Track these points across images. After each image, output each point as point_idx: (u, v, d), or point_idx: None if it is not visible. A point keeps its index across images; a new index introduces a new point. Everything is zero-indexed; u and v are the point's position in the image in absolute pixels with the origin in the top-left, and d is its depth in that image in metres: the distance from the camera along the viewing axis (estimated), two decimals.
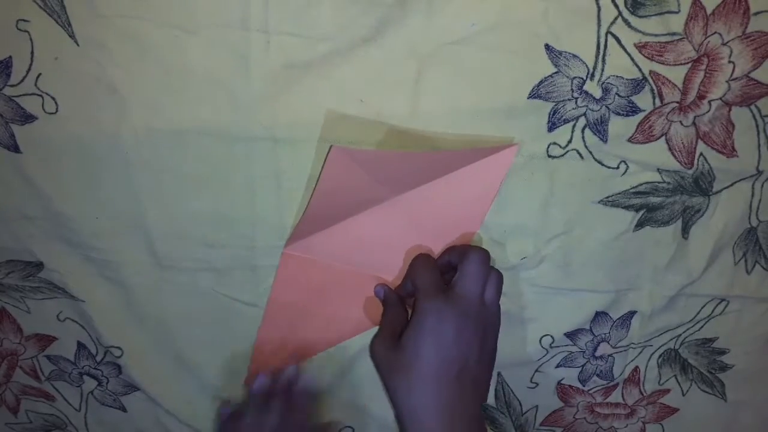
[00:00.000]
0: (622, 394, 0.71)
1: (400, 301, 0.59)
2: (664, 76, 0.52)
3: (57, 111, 0.54)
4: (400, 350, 0.53)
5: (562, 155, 0.55)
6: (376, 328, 0.58)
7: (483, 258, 0.54)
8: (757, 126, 0.54)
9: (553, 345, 0.66)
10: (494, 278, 0.55)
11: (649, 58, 0.51)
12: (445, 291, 0.53)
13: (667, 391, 0.71)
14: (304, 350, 0.65)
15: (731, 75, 0.52)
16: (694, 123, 0.54)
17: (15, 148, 0.56)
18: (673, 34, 0.50)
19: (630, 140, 0.55)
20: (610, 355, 0.68)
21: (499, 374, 0.68)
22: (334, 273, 0.60)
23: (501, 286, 0.56)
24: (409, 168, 0.55)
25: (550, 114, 0.54)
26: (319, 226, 0.58)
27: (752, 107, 0.54)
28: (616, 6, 0.49)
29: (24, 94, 0.53)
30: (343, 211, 0.57)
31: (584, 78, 0.52)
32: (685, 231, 0.60)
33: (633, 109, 0.53)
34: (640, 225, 0.59)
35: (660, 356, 0.68)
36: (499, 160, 0.54)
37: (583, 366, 0.68)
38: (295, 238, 0.59)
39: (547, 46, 0.51)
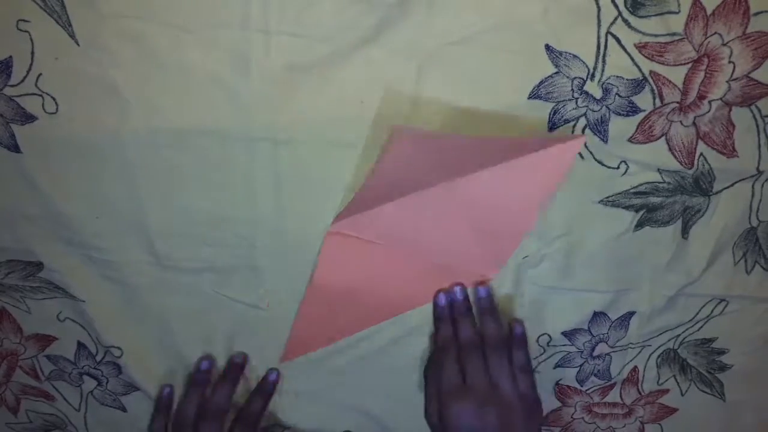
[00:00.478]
0: (620, 393, 0.71)
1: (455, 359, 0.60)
2: (664, 77, 0.52)
3: (57, 111, 0.54)
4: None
5: None
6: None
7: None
8: (757, 126, 0.55)
9: (550, 344, 0.66)
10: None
11: (649, 59, 0.51)
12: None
13: (666, 391, 0.71)
14: (342, 330, 0.64)
15: (731, 75, 0.52)
16: (694, 123, 0.54)
17: (15, 148, 0.56)
18: (674, 34, 0.50)
19: (630, 140, 0.55)
20: (607, 355, 0.68)
21: None
22: (379, 253, 0.59)
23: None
24: (471, 152, 0.53)
25: (550, 114, 0.54)
26: (369, 205, 0.56)
27: (752, 107, 0.54)
28: (616, 6, 0.49)
29: (24, 94, 0.53)
30: (395, 192, 0.55)
31: (584, 78, 0.52)
32: (685, 231, 0.60)
33: (633, 109, 0.53)
34: (640, 225, 0.59)
35: (659, 356, 0.68)
36: (564, 151, 0.50)
37: (581, 366, 0.68)
38: (342, 217, 0.57)
39: (548, 47, 0.51)
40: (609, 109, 0.53)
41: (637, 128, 0.54)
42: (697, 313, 0.65)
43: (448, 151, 0.54)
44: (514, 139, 0.54)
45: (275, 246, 0.60)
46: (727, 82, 0.52)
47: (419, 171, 0.54)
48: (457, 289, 0.62)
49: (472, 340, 0.60)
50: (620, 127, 0.54)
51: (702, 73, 0.52)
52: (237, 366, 0.64)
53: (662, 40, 0.50)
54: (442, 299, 0.62)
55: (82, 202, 0.58)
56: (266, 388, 0.65)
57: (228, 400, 0.62)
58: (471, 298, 0.62)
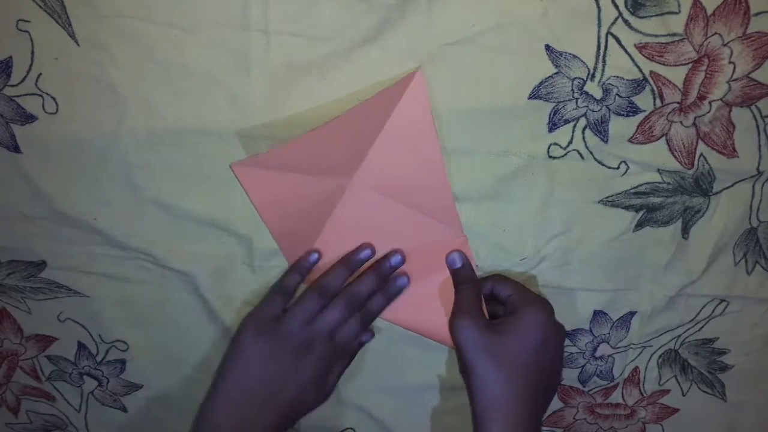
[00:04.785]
0: (622, 394, 0.71)
1: (475, 276, 0.59)
2: (664, 77, 0.52)
3: (57, 111, 0.54)
4: (498, 336, 0.54)
5: (563, 156, 0.55)
6: None
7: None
8: (757, 126, 0.54)
9: None
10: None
11: (649, 59, 0.51)
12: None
13: (667, 391, 0.71)
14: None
15: (732, 76, 0.52)
16: (694, 123, 0.54)
17: (15, 148, 0.56)
18: (674, 34, 0.50)
19: (630, 140, 0.55)
20: (610, 356, 0.67)
21: None
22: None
23: None
24: (335, 142, 0.54)
25: (550, 114, 0.54)
26: (302, 244, 0.59)
27: (753, 108, 0.54)
28: (617, 6, 0.49)
29: (24, 94, 0.53)
30: (308, 219, 0.58)
31: (585, 79, 0.52)
32: (685, 231, 0.60)
33: (633, 110, 0.53)
34: (640, 225, 0.59)
35: (660, 356, 0.68)
36: (409, 89, 0.51)
37: (583, 366, 0.68)
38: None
39: (548, 47, 0.51)
40: (609, 109, 0.53)
41: (638, 128, 0.54)
42: (698, 314, 0.65)
43: (313, 154, 0.54)
44: (359, 107, 0.53)
45: (274, 245, 0.60)
46: (727, 82, 0.52)
47: (305, 188, 0.56)
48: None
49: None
50: (620, 127, 0.54)
51: (702, 74, 0.51)
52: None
53: (662, 40, 0.50)
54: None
55: (82, 202, 0.58)
56: (391, 289, 0.60)
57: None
58: None
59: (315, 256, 0.59)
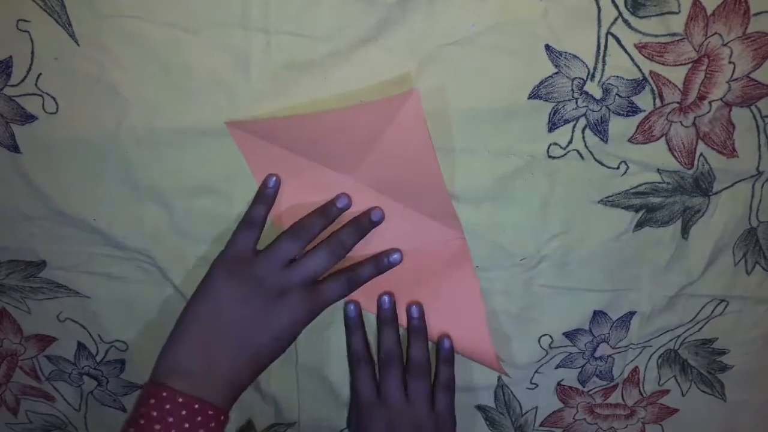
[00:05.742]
0: (622, 394, 0.71)
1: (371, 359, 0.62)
2: (664, 77, 0.52)
3: (57, 111, 0.54)
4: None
5: (563, 155, 0.55)
6: None
7: None
8: (757, 126, 0.54)
9: (552, 345, 0.66)
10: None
11: (649, 59, 0.51)
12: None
13: (667, 391, 0.71)
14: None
15: (731, 75, 0.52)
16: (694, 123, 0.54)
17: (15, 148, 0.56)
18: (674, 34, 0.50)
19: (630, 140, 0.55)
20: (609, 356, 0.67)
21: (498, 376, 0.68)
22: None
23: None
24: (332, 134, 0.54)
25: (550, 114, 0.54)
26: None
27: (752, 108, 0.54)
28: (616, 6, 0.49)
29: (24, 94, 0.53)
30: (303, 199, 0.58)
31: (584, 78, 0.52)
32: (685, 231, 0.60)
33: (633, 110, 0.53)
34: (639, 225, 0.59)
35: (660, 357, 0.68)
36: (405, 109, 0.51)
37: (582, 367, 0.68)
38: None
39: (548, 47, 0.51)
40: (609, 109, 0.53)
41: (637, 128, 0.54)
42: (698, 314, 0.65)
43: (308, 138, 0.55)
44: (356, 108, 0.53)
45: None
46: (727, 82, 0.52)
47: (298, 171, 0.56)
48: (385, 298, 0.61)
49: (393, 353, 0.61)
50: (620, 127, 0.54)
51: (702, 74, 0.51)
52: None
53: (662, 40, 0.50)
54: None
55: (82, 202, 0.58)
56: (382, 261, 0.59)
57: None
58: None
59: (273, 180, 0.56)
